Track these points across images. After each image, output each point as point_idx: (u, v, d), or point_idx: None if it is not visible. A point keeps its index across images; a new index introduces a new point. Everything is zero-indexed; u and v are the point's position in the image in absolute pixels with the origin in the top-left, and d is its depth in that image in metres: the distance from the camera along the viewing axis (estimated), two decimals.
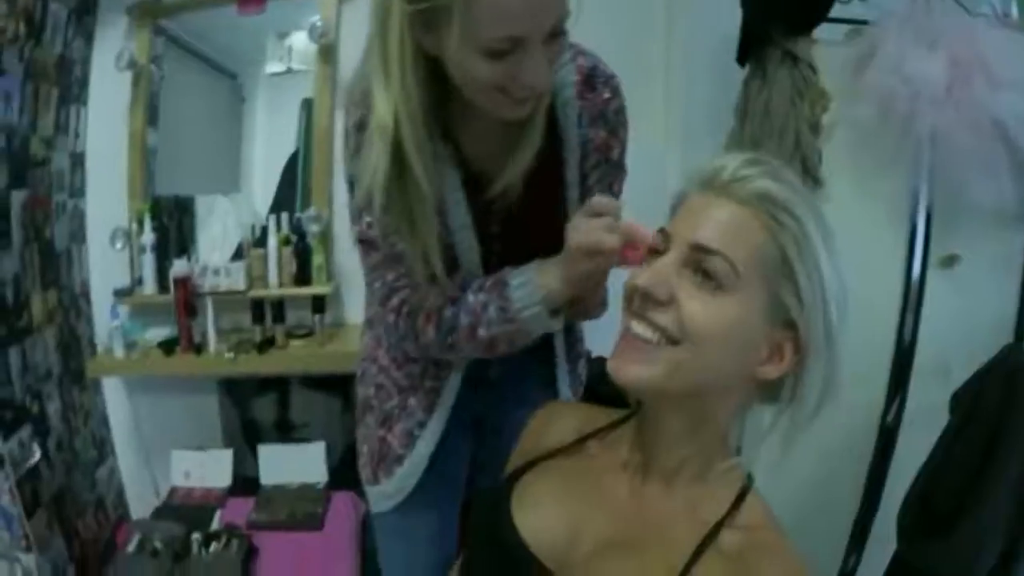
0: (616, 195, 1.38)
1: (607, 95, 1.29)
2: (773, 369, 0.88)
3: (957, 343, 2.16)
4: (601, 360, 1.69)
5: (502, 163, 1.21)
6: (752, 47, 2.20)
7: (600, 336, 1.36)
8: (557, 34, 1.04)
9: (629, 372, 0.88)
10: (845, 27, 2.16)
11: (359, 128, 1.19)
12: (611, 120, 1.31)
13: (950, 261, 2.15)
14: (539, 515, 0.98)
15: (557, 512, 0.98)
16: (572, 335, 1.55)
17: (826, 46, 2.13)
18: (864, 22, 2.10)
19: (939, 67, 1.90)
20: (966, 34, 1.95)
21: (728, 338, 0.85)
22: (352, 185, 1.25)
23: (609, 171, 1.34)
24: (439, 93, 1.13)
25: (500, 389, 1.51)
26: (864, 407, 2.28)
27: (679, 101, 2.58)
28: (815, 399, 0.88)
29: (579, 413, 1.15)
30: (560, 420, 1.14)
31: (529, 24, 1.00)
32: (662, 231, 0.93)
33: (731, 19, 2.21)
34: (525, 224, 1.28)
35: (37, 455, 2.27)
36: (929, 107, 1.91)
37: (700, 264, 0.85)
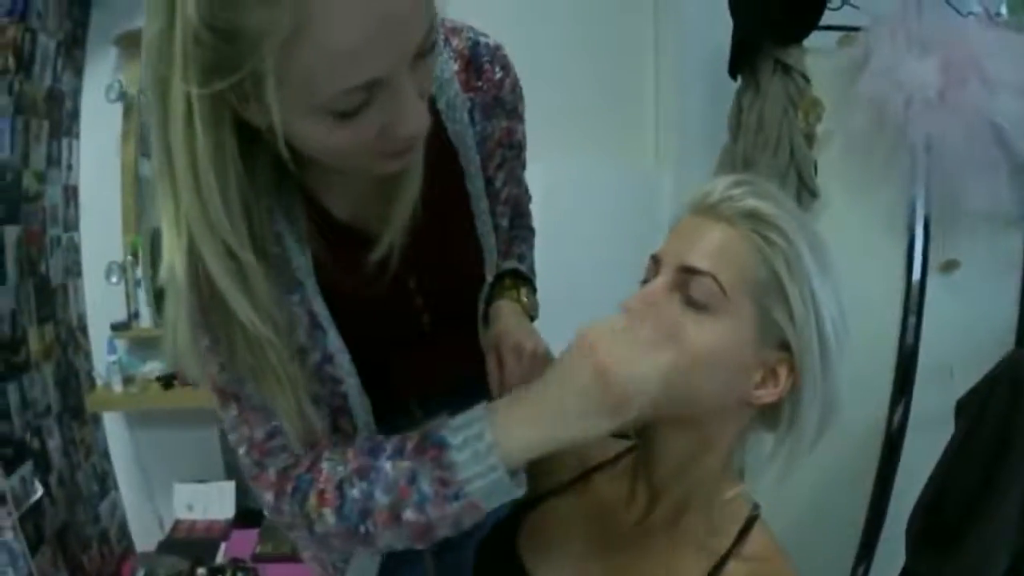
0: (521, 179, 1.23)
1: (499, 74, 1.06)
2: (768, 393, 0.85)
3: (959, 348, 2.16)
4: None
5: (380, 220, 0.94)
6: (744, 58, 2.18)
7: None
8: (426, 52, 0.75)
9: None
10: (838, 34, 2.14)
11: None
12: (509, 102, 1.09)
13: (950, 267, 2.14)
14: (551, 560, 0.97)
15: (568, 555, 0.97)
16: None
17: (819, 54, 2.12)
18: (856, 28, 2.09)
19: (932, 71, 1.89)
20: (958, 36, 1.95)
21: (715, 362, 0.82)
22: None
23: (514, 156, 1.15)
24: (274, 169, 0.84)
25: None
26: (867, 415, 2.28)
27: (671, 117, 2.53)
28: (814, 424, 0.86)
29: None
30: (561, 453, 1.12)
31: (386, 58, 0.70)
32: (653, 257, 0.91)
33: (723, 30, 2.19)
34: (440, 265, 1.06)
35: (39, 491, 2.26)
36: (923, 112, 1.90)
37: (688, 286, 0.83)
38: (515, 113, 1.11)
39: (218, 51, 0.66)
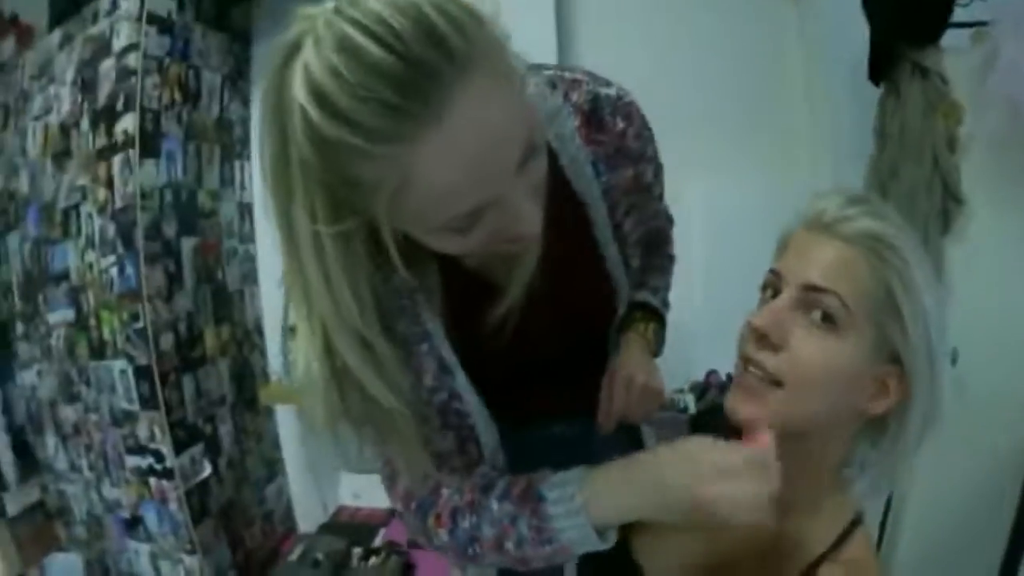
0: (655, 212, 1.26)
1: (621, 125, 1.05)
2: (879, 404, 0.90)
3: None
4: None
5: (506, 273, 0.98)
6: (882, 63, 2.10)
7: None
8: (530, 157, 0.77)
9: (742, 412, 0.91)
10: (970, 31, 2.02)
11: None
12: (634, 150, 1.07)
13: None
14: (658, 553, 1.06)
15: (675, 548, 1.04)
16: None
17: (954, 54, 2.01)
18: (986, 23, 1.97)
19: None
20: None
21: (838, 378, 0.87)
22: None
23: (644, 199, 1.15)
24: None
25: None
26: (1012, 431, 2.13)
27: (823, 129, 2.46)
28: (920, 432, 0.90)
29: None
30: None
31: (488, 185, 0.75)
32: (773, 271, 0.95)
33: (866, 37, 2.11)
34: (567, 311, 1.09)
35: (207, 470, 2.48)
36: None
37: (814, 304, 0.87)
38: (642, 158, 1.10)
39: (340, 193, 0.74)
